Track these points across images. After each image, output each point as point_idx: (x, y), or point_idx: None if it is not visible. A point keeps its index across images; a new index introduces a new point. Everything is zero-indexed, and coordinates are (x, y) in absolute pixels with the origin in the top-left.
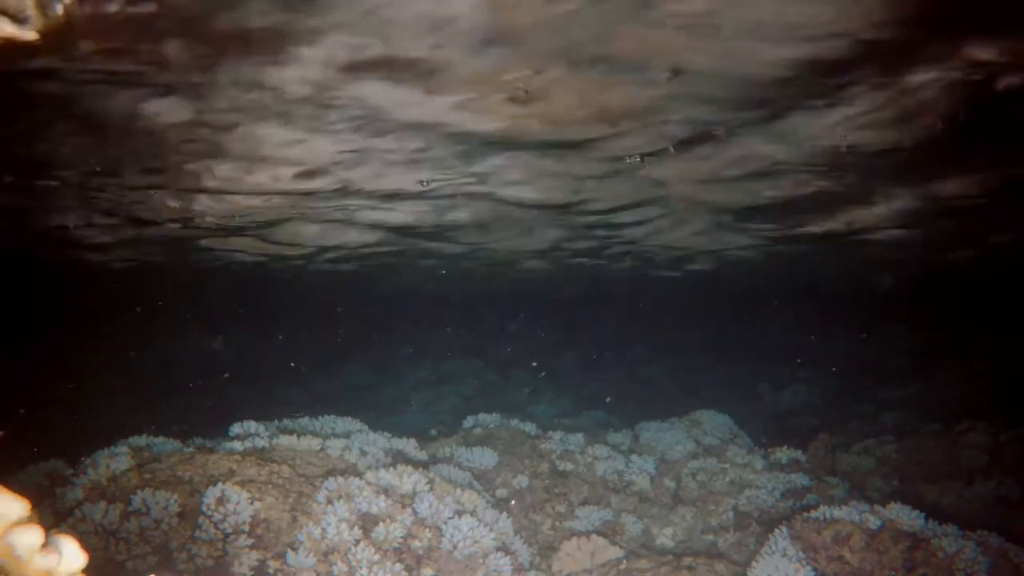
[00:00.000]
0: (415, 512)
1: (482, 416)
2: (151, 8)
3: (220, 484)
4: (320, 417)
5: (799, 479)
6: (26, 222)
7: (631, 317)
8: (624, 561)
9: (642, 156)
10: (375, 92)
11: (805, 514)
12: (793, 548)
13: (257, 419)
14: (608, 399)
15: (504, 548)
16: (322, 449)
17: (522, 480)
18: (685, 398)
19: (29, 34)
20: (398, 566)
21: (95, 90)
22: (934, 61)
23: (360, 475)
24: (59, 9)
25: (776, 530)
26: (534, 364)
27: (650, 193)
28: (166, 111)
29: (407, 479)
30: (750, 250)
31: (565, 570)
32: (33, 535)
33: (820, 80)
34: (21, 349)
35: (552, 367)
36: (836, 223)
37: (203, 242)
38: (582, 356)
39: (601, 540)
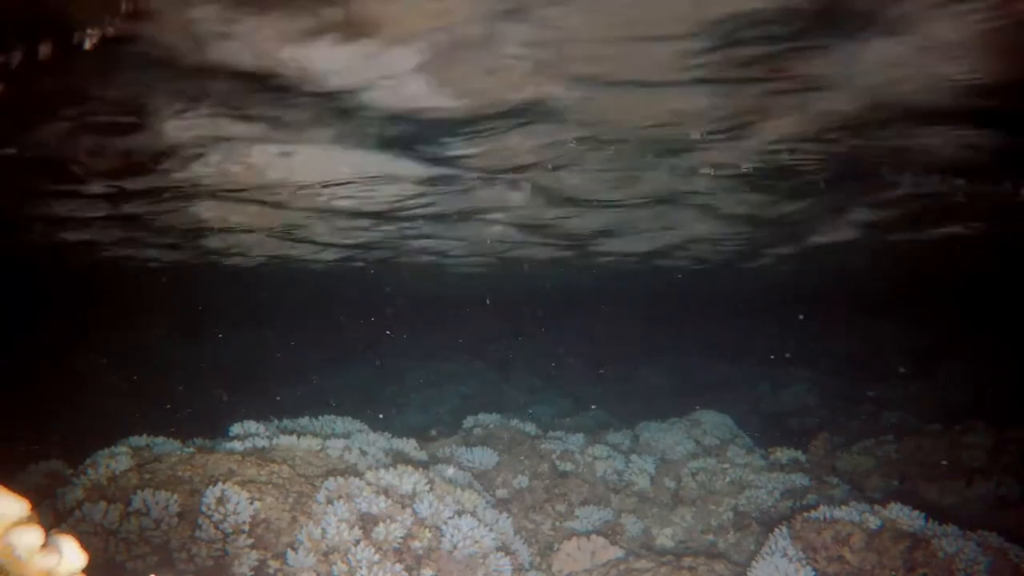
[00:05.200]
0: (415, 512)
1: (482, 416)
2: None
3: (220, 484)
4: (320, 417)
5: (799, 479)
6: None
7: (631, 317)
8: (624, 561)
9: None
10: None
11: (805, 514)
12: (793, 548)
13: (257, 419)
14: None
15: (504, 548)
16: (322, 449)
17: (522, 480)
18: (685, 398)
19: None
20: (398, 566)
21: None
22: None
23: (360, 475)
24: None
25: (776, 530)
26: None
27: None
28: None
29: (407, 479)
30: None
31: (565, 570)
32: (33, 535)
33: None
34: (20, 349)
35: (552, 367)
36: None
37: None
38: (582, 356)
39: (601, 540)
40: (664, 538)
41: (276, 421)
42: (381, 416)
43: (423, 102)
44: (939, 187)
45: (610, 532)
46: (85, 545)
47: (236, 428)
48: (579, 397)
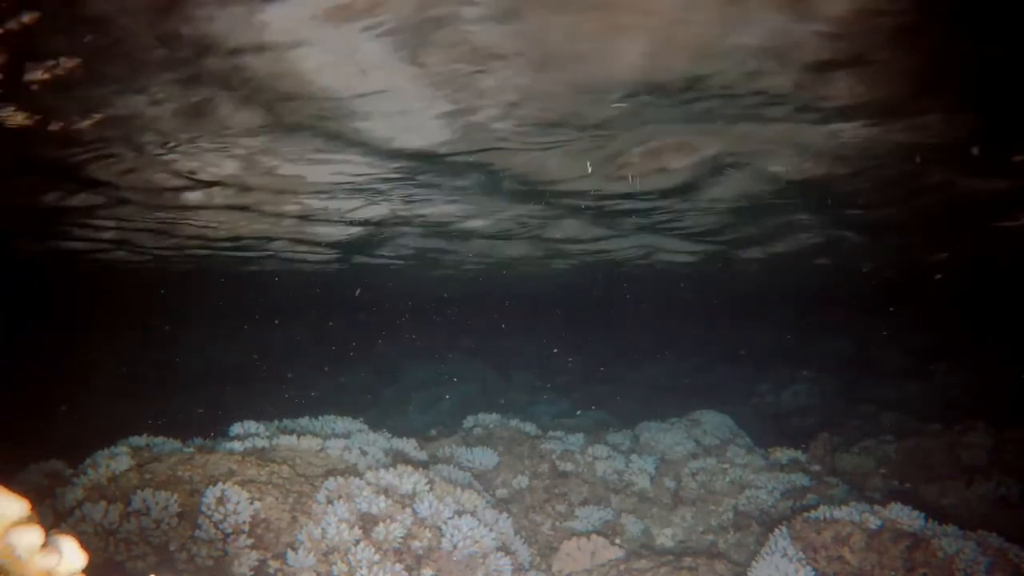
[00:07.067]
0: (415, 512)
1: (482, 416)
2: None
3: (220, 484)
4: (320, 417)
5: (799, 479)
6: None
7: (631, 317)
8: (624, 561)
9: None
10: None
11: (805, 514)
12: (793, 548)
13: (257, 419)
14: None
15: (504, 548)
16: (322, 449)
17: (522, 480)
18: (685, 398)
19: None
20: (398, 566)
21: None
22: None
23: (360, 475)
24: None
25: (776, 530)
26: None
27: None
28: None
29: (407, 479)
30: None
31: (565, 570)
32: (33, 535)
33: None
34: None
35: (552, 367)
36: None
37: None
38: (582, 356)
39: (601, 540)
40: (664, 538)
41: (276, 421)
42: (381, 416)
43: None
44: None
45: (610, 532)
46: (85, 545)
47: (236, 428)
48: (579, 397)
